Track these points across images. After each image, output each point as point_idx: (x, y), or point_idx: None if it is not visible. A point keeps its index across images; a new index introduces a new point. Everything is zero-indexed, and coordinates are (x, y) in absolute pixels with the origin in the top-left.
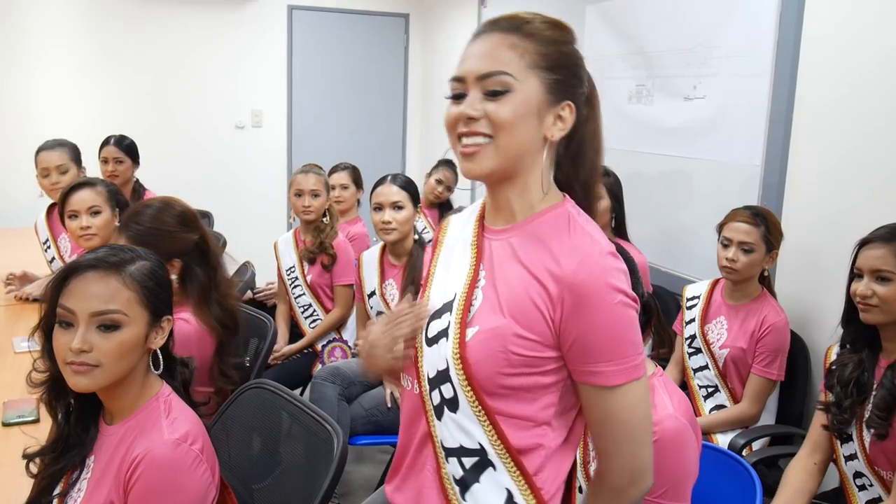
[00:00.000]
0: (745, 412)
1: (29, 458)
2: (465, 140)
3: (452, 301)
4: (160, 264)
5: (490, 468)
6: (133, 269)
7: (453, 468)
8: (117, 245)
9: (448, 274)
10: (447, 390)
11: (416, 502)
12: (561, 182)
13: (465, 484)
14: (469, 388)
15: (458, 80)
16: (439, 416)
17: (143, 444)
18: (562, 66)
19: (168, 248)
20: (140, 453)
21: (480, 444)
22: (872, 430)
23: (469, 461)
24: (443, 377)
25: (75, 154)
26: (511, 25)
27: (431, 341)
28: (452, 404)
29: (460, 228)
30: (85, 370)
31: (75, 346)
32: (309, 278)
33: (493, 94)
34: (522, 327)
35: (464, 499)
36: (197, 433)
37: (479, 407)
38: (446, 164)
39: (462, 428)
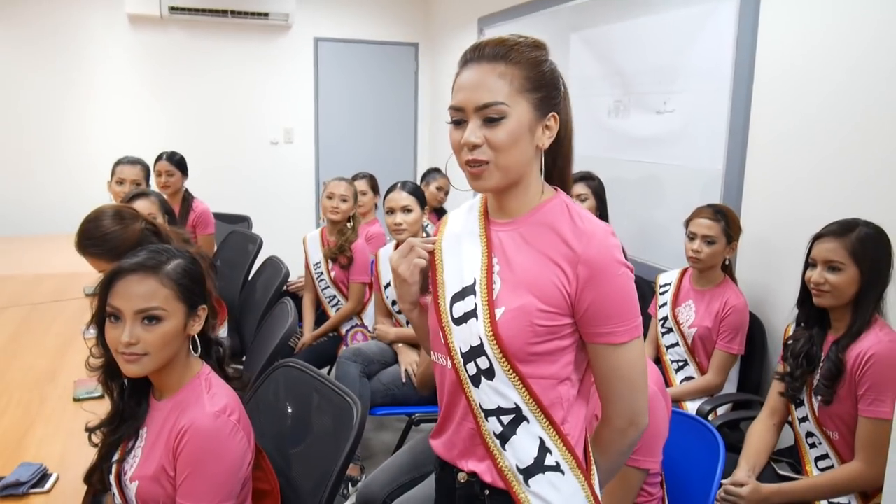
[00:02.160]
0: (711, 382)
1: (90, 430)
2: (471, 163)
3: (473, 285)
4: (193, 260)
5: (525, 422)
6: (169, 268)
7: (493, 425)
8: (155, 247)
9: (461, 261)
10: (483, 362)
11: (462, 455)
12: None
13: (504, 437)
14: (504, 358)
15: (456, 109)
16: (476, 384)
17: (189, 416)
18: (544, 84)
19: (125, 247)
20: (185, 424)
21: (516, 404)
22: (819, 396)
23: (506, 418)
24: (477, 351)
25: (147, 173)
26: (497, 53)
27: (459, 321)
28: (489, 373)
29: (462, 221)
30: (135, 359)
31: (124, 339)
32: (332, 274)
33: (490, 121)
34: (543, 302)
35: (504, 449)
36: (234, 406)
37: (514, 374)
38: (436, 171)
39: (499, 392)
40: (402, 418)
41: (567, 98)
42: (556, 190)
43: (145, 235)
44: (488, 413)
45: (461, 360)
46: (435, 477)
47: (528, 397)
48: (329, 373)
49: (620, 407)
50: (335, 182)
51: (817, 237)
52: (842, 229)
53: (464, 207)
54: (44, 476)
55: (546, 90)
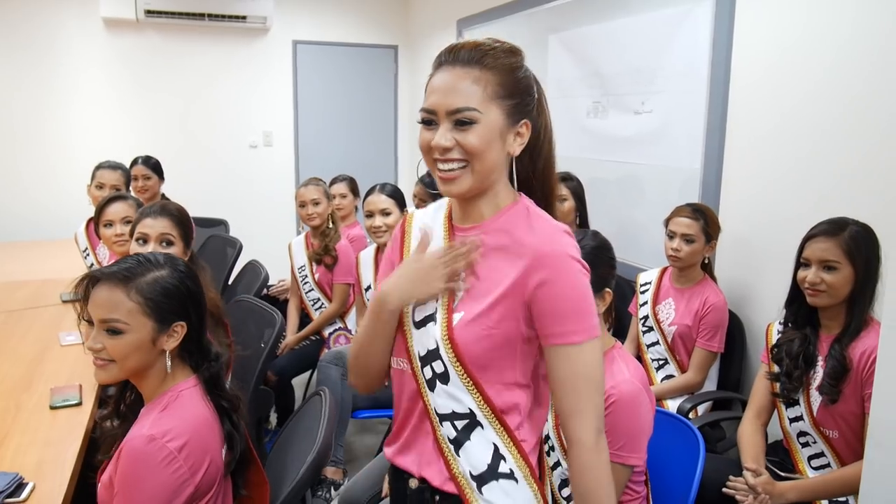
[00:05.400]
0: (691, 380)
1: (102, 419)
2: (441, 166)
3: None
4: (178, 275)
5: (479, 427)
6: (142, 281)
7: (447, 430)
8: (142, 256)
9: None
10: (438, 366)
11: (418, 463)
12: (520, 173)
13: (458, 442)
14: (458, 363)
15: (428, 111)
16: (431, 388)
17: (131, 433)
18: (518, 91)
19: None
20: (124, 442)
21: (470, 409)
22: (825, 396)
23: (460, 423)
24: (433, 355)
25: (127, 177)
26: (472, 57)
27: (419, 325)
28: (444, 378)
29: (430, 221)
30: (102, 364)
31: (89, 345)
32: (317, 276)
33: (461, 125)
34: (501, 308)
35: (458, 455)
36: (182, 431)
37: (469, 378)
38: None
39: (453, 396)
40: (384, 421)
41: (543, 102)
42: (519, 195)
43: None
44: (443, 418)
45: (419, 364)
46: (388, 485)
47: (482, 402)
48: (311, 376)
49: (586, 417)
50: (303, 189)
51: (809, 237)
52: (834, 228)
53: (431, 207)
54: (20, 485)
55: (520, 97)
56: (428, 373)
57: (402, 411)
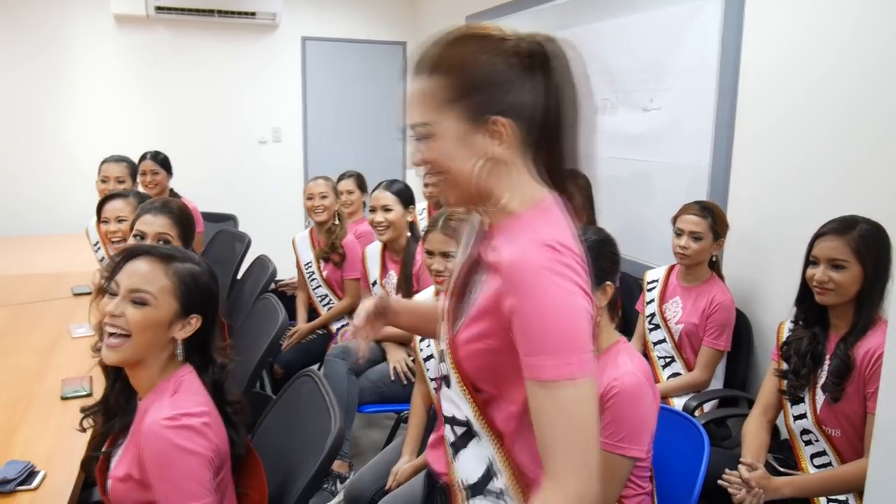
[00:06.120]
0: (698, 378)
1: (85, 413)
2: (424, 180)
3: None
4: (208, 273)
5: (476, 438)
6: (181, 266)
7: (448, 433)
8: (179, 248)
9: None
10: (444, 368)
11: (436, 459)
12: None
13: (456, 448)
14: (456, 370)
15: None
16: (439, 388)
17: (149, 418)
18: (475, 86)
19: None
20: (145, 427)
21: (467, 418)
22: (827, 394)
23: (459, 430)
24: (443, 356)
25: (132, 170)
26: (420, 64)
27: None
28: (447, 381)
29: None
30: (116, 344)
31: (109, 309)
32: (325, 274)
33: (420, 139)
34: (485, 324)
35: (456, 459)
36: (199, 407)
37: (465, 388)
38: None
39: (453, 402)
40: (390, 415)
41: (559, 86)
42: (540, 198)
43: None
44: (446, 420)
45: (439, 360)
46: (425, 490)
47: (478, 414)
48: (318, 370)
49: (548, 463)
50: (312, 182)
51: (818, 235)
52: (843, 227)
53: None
54: (31, 474)
55: (479, 93)
56: (444, 370)
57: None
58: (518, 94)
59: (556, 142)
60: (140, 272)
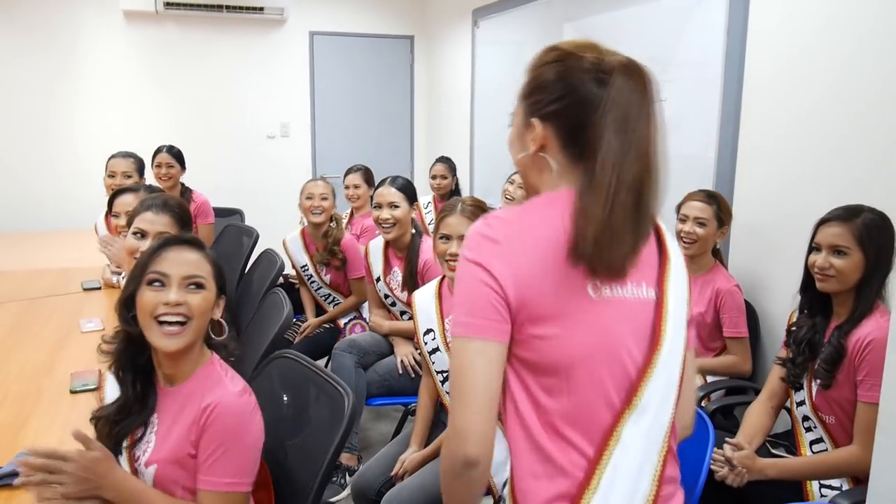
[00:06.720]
0: (739, 364)
1: (97, 419)
2: None
3: None
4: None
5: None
6: (209, 252)
7: None
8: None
9: None
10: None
11: None
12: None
13: None
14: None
15: None
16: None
17: (214, 395)
18: (534, 89)
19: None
20: (212, 402)
21: None
22: (819, 381)
23: None
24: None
25: (139, 165)
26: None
27: None
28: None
29: None
30: (178, 330)
31: (172, 298)
32: (327, 278)
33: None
34: None
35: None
36: (249, 389)
37: None
38: (440, 160)
39: None
40: (398, 408)
41: (602, 108)
42: (556, 192)
43: None
44: None
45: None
46: None
47: None
48: (326, 365)
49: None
50: (312, 183)
51: (822, 222)
52: (847, 214)
53: None
54: None
55: (534, 96)
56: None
57: None
58: (560, 105)
59: (593, 157)
60: (189, 260)
